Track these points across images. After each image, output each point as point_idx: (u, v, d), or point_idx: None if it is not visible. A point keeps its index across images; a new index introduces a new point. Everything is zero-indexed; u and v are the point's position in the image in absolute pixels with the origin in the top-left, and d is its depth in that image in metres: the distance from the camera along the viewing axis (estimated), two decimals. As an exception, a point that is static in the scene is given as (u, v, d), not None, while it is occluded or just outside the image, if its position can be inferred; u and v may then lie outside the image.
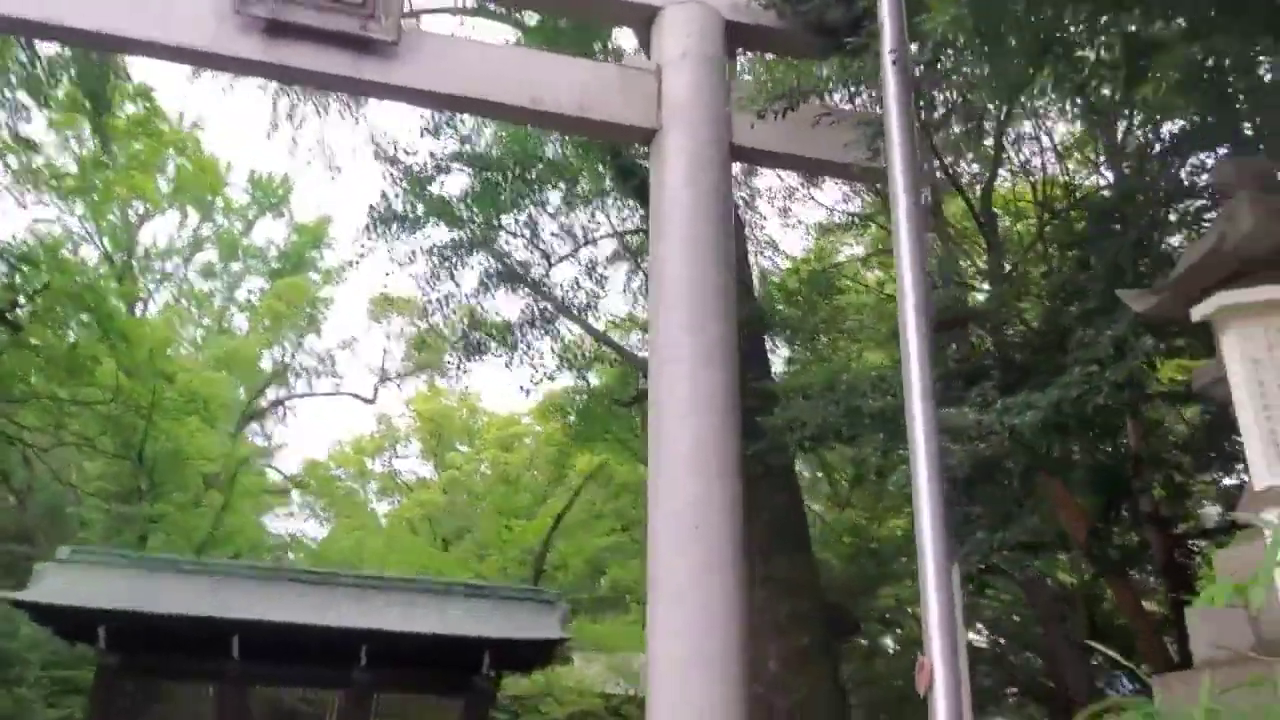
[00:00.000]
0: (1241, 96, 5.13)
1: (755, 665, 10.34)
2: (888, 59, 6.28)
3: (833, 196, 12.25)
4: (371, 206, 11.81)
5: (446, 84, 7.69)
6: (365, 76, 7.56)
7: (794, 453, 9.10)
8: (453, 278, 11.94)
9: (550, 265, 12.16)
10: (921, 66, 5.82)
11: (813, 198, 13.15)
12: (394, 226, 11.76)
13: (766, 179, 13.59)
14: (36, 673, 19.40)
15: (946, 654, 4.86)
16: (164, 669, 12.87)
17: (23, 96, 12.38)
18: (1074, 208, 7.91)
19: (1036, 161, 9.81)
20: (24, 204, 21.26)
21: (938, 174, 9.68)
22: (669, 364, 7.18)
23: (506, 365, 12.58)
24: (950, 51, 5.15)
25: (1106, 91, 5.52)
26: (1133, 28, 4.60)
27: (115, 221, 30.70)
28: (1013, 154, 9.95)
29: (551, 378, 12.60)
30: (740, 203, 12.68)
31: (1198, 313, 3.09)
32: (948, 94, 5.98)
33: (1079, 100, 5.71)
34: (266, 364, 31.38)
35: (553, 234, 12.36)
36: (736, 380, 7.19)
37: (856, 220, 12.16)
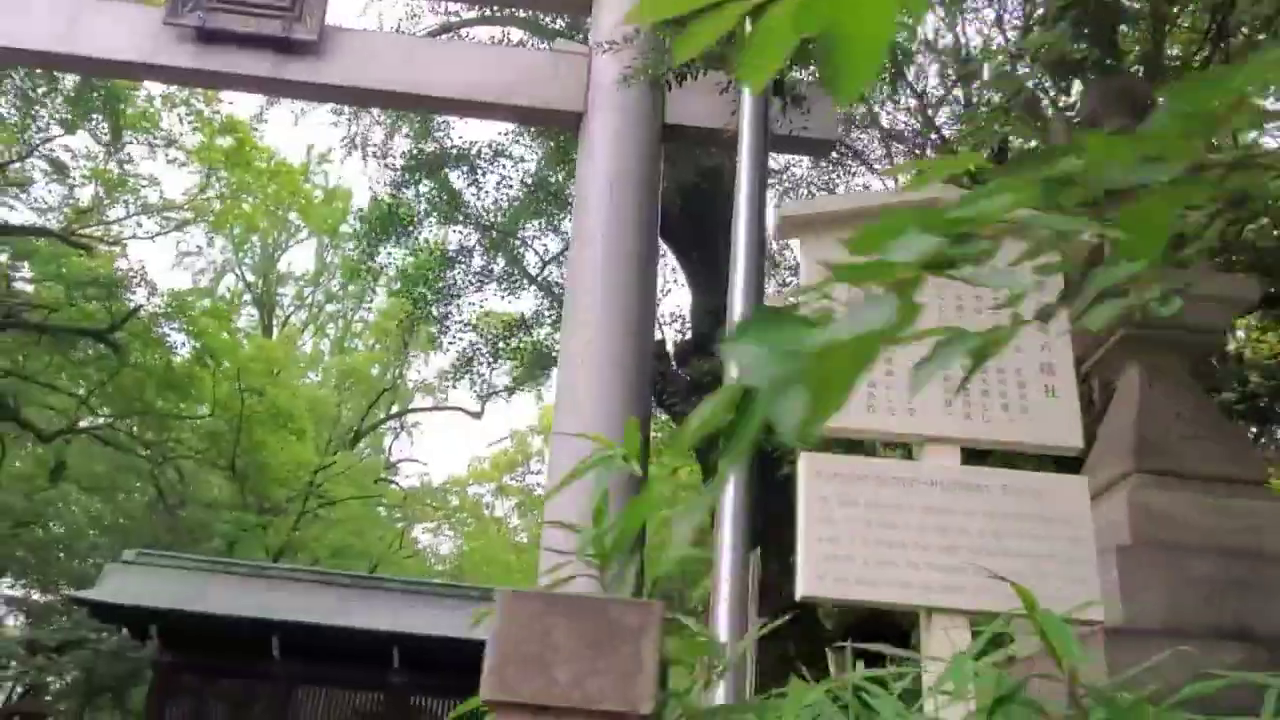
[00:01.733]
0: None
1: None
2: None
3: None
4: (362, 212, 12.07)
5: (371, 79, 7.66)
6: (291, 77, 7.65)
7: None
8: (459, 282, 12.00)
9: (544, 265, 12.03)
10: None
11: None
12: (390, 231, 11.95)
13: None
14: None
15: (734, 641, 4.40)
16: (213, 668, 13.42)
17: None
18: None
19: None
20: (150, 236, 23.07)
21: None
22: (576, 361, 6.90)
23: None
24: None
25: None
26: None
27: (257, 250, 33.31)
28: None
29: (533, 376, 12.46)
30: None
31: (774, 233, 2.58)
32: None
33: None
34: (387, 380, 32.76)
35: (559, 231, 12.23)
36: (648, 384, 6.83)
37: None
